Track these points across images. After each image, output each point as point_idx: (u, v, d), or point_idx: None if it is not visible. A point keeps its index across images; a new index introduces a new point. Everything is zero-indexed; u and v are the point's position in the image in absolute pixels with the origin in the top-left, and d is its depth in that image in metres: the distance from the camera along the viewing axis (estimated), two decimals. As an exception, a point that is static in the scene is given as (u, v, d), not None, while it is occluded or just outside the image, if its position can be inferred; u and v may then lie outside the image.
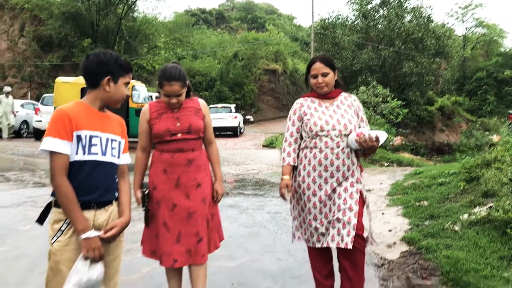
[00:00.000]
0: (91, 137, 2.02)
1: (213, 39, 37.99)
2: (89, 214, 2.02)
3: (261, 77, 33.73)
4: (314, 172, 2.79)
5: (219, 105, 21.49)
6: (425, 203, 5.19)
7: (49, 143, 1.93)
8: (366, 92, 17.95)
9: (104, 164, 2.07)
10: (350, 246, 2.65)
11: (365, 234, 2.76)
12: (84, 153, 2.00)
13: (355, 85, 21.65)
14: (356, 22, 28.77)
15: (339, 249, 2.77)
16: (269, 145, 15.47)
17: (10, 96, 15.13)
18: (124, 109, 11.79)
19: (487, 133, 16.97)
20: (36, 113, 15.17)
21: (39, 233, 4.35)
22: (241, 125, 21.67)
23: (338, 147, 2.75)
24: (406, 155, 15.74)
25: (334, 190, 2.77)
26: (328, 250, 2.86)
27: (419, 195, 5.64)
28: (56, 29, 26.13)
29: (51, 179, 1.96)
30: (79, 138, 1.98)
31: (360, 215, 2.74)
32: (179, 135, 2.65)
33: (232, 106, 21.52)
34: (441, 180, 6.01)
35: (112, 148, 2.11)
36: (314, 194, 2.80)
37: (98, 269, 1.98)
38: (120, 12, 27.26)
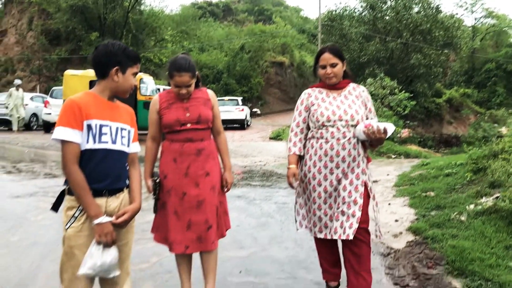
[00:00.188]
0: (101, 126, 2.07)
1: (220, 32, 37.92)
2: (101, 201, 2.08)
3: (268, 69, 33.66)
4: (320, 162, 2.81)
5: (226, 98, 21.52)
6: (432, 193, 5.21)
7: (60, 132, 1.99)
8: (374, 84, 17.88)
9: (114, 152, 2.12)
10: (351, 237, 2.69)
11: (371, 227, 2.79)
12: (94, 142, 2.05)
13: (362, 77, 21.58)
14: (363, 14, 28.60)
15: (343, 242, 2.80)
16: (276, 137, 15.52)
17: (21, 89, 15.29)
18: (132, 101, 11.87)
19: (495, 125, 16.86)
20: (45, 106, 15.34)
21: (50, 223, 4.45)
22: (248, 117, 21.70)
23: (344, 137, 2.76)
24: (414, 148, 15.72)
25: (339, 181, 2.78)
26: (334, 239, 2.88)
27: (426, 185, 5.66)
28: (64, 23, 26.26)
29: (63, 167, 2.02)
30: (89, 127, 2.04)
31: (365, 208, 2.76)
32: (188, 125, 2.70)
33: (239, 98, 21.55)
34: (448, 171, 6.02)
35: (122, 137, 2.16)
36: (320, 184, 2.82)
37: (111, 254, 2.04)
38: (127, 5, 27.28)
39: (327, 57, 2.84)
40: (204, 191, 2.70)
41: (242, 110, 20.02)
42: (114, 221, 2.07)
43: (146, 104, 11.85)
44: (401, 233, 4.26)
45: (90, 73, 12.29)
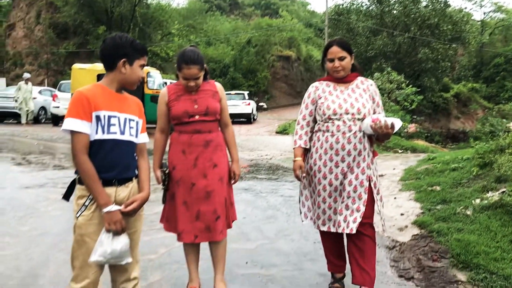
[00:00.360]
0: (109, 117, 2.11)
1: (227, 26, 37.86)
2: (111, 190, 2.12)
3: (275, 63, 33.61)
4: (325, 155, 2.81)
5: (233, 92, 21.54)
6: (438, 188, 5.21)
7: (69, 123, 2.03)
8: (381, 78, 17.82)
9: (123, 142, 2.16)
10: (354, 231, 2.71)
11: (375, 221, 2.81)
12: (103, 133, 2.09)
13: (369, 71, 21.49)
14: (370, 8, 28.42)
15: (348, 236, 2.82)
16: (283, 131, 15.53)
17: (30, 83, 15.42)
18: (139, 95, 11.93)
19: (504, 120, 16.73)
20: (53, 100, 15.48)
21: (59, 213, 4.53)
22: (255, 112, 21.72)
23: (350, 131, 2.76)
24: (421, 142, 15.66)
25: (345, 175, 2.79)
26: (339, 233, 2.88)
27: (432, 180, 5.66)
28: (72, 16, 26.38)
29: (73, 157, 2.07)
30: (98, 118, 2.08)
31: (369, 203, 2.77)
32: (196, 117, 2.73)
33: (246, 93, 21.56)
34: (454, 166, 6.01)
35: (130, 128, 2.20)
36: (324, 177, 2.83)
37: (121, 241, 2.08)
38: (134, -1, 27.34)
39: (335, 51, 2.83)
40: (212, 182, 2.74)
41: (249, 104, 20.03)
42: (123, 210, 2.11)
43: (153, 98, 11.90)
44: (406, 226, 4.28)
45: (98, 66, 12.35)
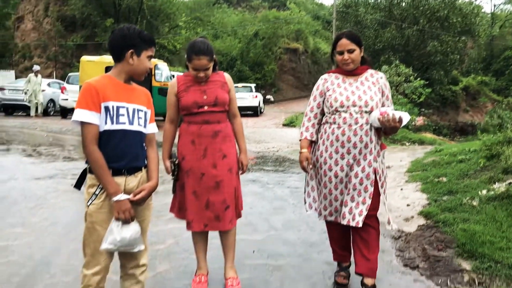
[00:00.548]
0: (118, 107, 2.15)
1: (234, 18, 37.74)
2: (121, 179, 2.17)
3: (282, 56, 33.50)
4: (331, 147, 2.82)
5: (240, 85, 21.54)
6: (444, 179, 5.23)
7: (79, 114, 2.07)
8: (389, 71, 17.69)
9: (132, 132, 2.20)
10: (360, 225, 2.72)
11: (379, 214, 2.82)
12: (112, 123, 2.13)
13: (377, 64, 21.37)
14: (379, 0, 28.17)
15: (352, 228, 2.84)
16: (289, 124, 15.53)
17: (39, 75, 15.54)
18: (147, 87, 11.98)
19: (513, 113, 16.60)
20: (62, 92, 15.59)
21: (69, 204, 4.61)
22: (261, 104, 21.72)
23: (356, 123, 2.76)
24: (428, 135, 15.58)
25: (351, 168, 2.79)
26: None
27: (438, 171, 5.67)
28: (79, 9, 26.46)
29: (83, 147, 2.12)
30: (106, 109, 2.12)
31: (375, 195, 2.78)
32: (205, 108, 2.76)
33: (253, 85, 21.55)
34: (461, 157, 6.01)
35: (139, 118, 2.24)
36: (330, 169, 2.84)
37: (131, 229, 2.13)
38: (141, -9, 27.35)
39: (344, 43, 2.82)
40: (222, 172, 2.78)
41: (256, 97, 20.04)
42: (132, 199, 2.15)
43: (161, 90, 11.97)
44: (412, 217, 4.30)
45: (106, 59, 12.43)
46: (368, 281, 2.79)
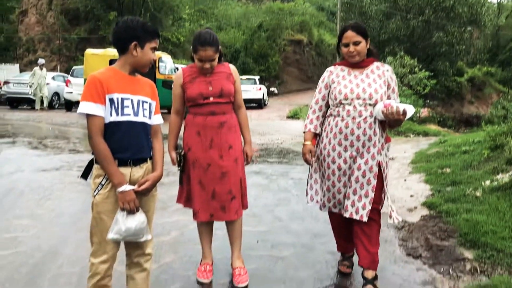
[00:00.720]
0: (122, 99, 2.17)
1: (238, 10, 37.56)
2: (126, 170, 2.20)
3: (286, 48, 33.32)
4: (335, 140, 2.82)
5: (244, 77, 21.48)
6: (448, 170, 5.24)
7: (84, 107, 2.11)
8: (394, 62, 17.62)
9: (137, 124, 2.23)
10: (365, 219, 2.73)
11: (382, 207, 2.83)
12: (117, 115, 2.16)
13: (382, 55, 21.26)
14: (384, -9, 27.93)
15: (355, 221, 2.83)
16: (294, 116, 15.52)
17: (44, 69, 15.59)
18: (151, 80, 12.00)
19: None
20: (66, 85, 15.65)
21: (75, 196, 4.66)
22: (265, 97, 21.69)
23: (360, 116, 2.74)
24: (433, 127, 15.55)
25: (354, 160, 2.78)
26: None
27: (442, 162, 5.68)
28: (83, 2, 26.44)
29: (89, 139, 2.15)
30: (111, 101, 2.14)
31: (378, 189, 2.78)
32: (211, 99, 2.78)
33: (257, 78, 21.52)
34: (465, 148, 6.02)
35: (144, 109, 2.26)
36: (333, 162, 2.84)
37: (136, 219, 2.16)
38: (145, -17, 27.27)
39: (350, 35, 2.80)
40: (228, 163, 2.80)
41: (260, 89, 20.02)
42: (137, 189, 2.18)
43: (165, 83, 11.98)
44: (415, 207, 4.32)
45: (110, 52, 12.44)
46: (369, 274, 2.80)
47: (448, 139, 7.79)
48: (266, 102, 21.86)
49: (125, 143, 2.19)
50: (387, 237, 3.67)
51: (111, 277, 2.26)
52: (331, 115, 2.88)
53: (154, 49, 2.30)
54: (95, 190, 2.20)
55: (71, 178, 5.30)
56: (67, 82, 15.72)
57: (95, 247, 2.21)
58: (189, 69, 2.88)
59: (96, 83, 2.12)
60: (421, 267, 3.16)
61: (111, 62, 11.47)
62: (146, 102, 2.29)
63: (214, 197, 2.79)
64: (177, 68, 14.73)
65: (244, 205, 2.96)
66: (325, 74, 2.99)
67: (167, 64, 13.26)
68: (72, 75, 16.03)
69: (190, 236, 3.57)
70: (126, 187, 2.14)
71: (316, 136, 2.98)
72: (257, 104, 20.06)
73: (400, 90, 15.10)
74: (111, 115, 2.15)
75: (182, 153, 2.83)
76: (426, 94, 17.75)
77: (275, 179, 5.71)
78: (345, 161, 2.80)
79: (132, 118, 2.20)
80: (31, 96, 15.61)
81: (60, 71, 23.86)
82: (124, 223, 2.14)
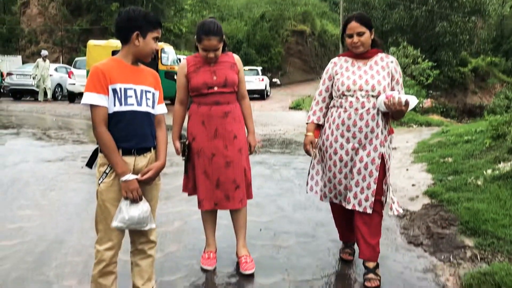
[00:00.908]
0: (125, 89, 2.19)
1: (240, 1, 37.37)
2: (130, 159, 2.22)
3: (288, 38, 33.17)
4: (337, 131, 2.81)
5: (246, 68, 21.41)
6: (450, 159, 5.25)
7: (88, 97, 2.13)
8: (397, 53, 17.55)
9: (140, 113, 2.24)
10: (369, 211, 2.74)
11: (385, 199, 2.84)
12: (121, 105, 2.18)
13: (385, 46, 21.15)
14: (387, -20, 27.69)
15: (356, 212, 2.84)
16: (296, 107, 15.50)
17: (47, 60, 15.62)
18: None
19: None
20: (69, 77, 15.67)
21: (79, 185, 4.71)
22: (268, 88, 21.65)
23: (362, 107, 2.73)
24: (436, 118, 15.51)
25: (356, 152, 2.78)
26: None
27: (444, 152, 5.69)
28: (85, -7, 26.35)
29: (93, 129, 2.18)
30: (114, 91, 2.16)
31: (380, 180, 2.78)
32: (215, 88, 2.79)
33: (259, 68, 21.47)
34: (467, 138, 6.03)
35: (147, 99, 2.28)
36: (335, 153, 2.83)
37: (139, 208, 2.19)
38: (147, -26, 27.11)
39: (354, 26, 2.78)
40: (232, 152, 2.82)
41: (262, 80, 19.97)
42: (140, 178, 2.21)
43: (167, 74, 12.00)
44: (417, 196, 4.35)
45: (113, 43, 12.45)
46: (370, 263, 2.83)
47: (451, 129, 7.80)
48: (268, 93, 21.82)
49: (129, 133, 2.21)
50: (388, 225, 3.70)
51: (116, 264, 2.29)
52: (334, 106, 2.88)
53: (156, 39, 2.31)
54: (99, 179, 2.22)
55: (75, 168, 5.35)
56: (69, 74, 15.73)
57: (100, 235, 2.24)
58: (193, 59, 2.88)
59: (99, 74, 2.14)
60: (422, 255, 3.19)
61: (114, 53, 11.47)
62: (149, 91, 2.31)
63: (219, 186, 2.82)
64: (179, 59, 14.73)
65: (249, 195, 2.99)
66: (329, 65, 2.99)
67: (169, 55, 13.25)
68: (74, 67, 16.05)
69: (193, 226, 3.61)
70: (130, 176, 2.16)
71: (319, 128, 2.98)
72: (260, 95, 20.02)
73: (403, 80, 15.05)
74: (114, 105, 2.17)
75: (187, 142, 2.84)
76: (429, 84, 17.69)
77: (277, 169, 5.74)
78: (347, 153, 2.80)
79: (135, 107, 2.22)
80: (34, 88, 15.64)
81: (62, 63, 23.86)
82: (128, 212, 2.17)
